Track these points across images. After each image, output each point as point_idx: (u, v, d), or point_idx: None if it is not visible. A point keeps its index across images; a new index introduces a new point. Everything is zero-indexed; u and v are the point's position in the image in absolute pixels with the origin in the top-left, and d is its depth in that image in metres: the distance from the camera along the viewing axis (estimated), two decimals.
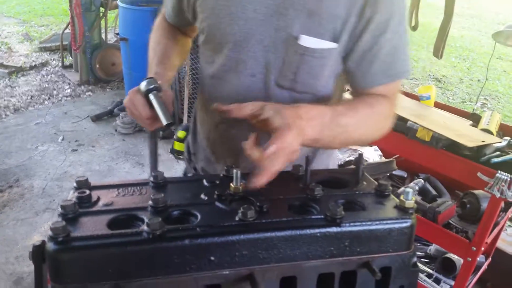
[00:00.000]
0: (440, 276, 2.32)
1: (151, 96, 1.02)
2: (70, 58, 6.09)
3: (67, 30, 5.49)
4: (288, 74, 1.07)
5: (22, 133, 4.36)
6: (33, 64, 6.20)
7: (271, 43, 1.05)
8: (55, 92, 5.36)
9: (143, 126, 1.11)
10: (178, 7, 1.23)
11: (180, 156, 1.18)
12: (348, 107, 1.03)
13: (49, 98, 5.19)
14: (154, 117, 1.03)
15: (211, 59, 1.17)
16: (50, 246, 0.67)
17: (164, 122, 1.00)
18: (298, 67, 1.05)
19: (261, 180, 0.81)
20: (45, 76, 5.84)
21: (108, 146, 4.22)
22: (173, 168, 3.76)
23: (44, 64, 6.24)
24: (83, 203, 0.79)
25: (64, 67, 6.09)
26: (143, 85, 1.03)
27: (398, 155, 2.64)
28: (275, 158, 0.82)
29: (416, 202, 2.20)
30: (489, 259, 2.50)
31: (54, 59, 6.48)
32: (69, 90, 5.40)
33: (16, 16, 8.93)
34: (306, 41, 1.02)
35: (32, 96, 5.20)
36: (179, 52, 1.31)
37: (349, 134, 1.01)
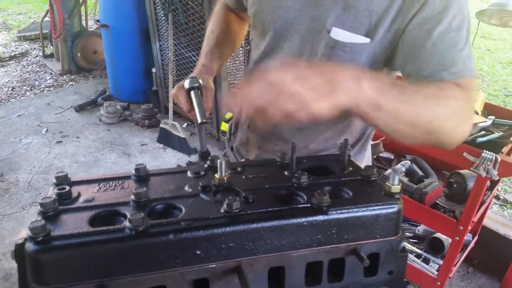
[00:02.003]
0: (429, 256, 2.35)
1: (192, 94, 1.15)
2: (51, 47, 5.96)
3: (47, 18, 5.35)
4: None
5: (5, 126, 4.28)
6: (13, 54, 6.07)
7: (307, 34, 1.06)
8: (36, 82, 5.26)
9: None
10: None
11: (224, 136, 1.25)
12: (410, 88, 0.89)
13: (31, 89, 5.09)
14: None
15: (257, 44, 1.21)
16: (29, 246, 0.65)
17: (199, 120, 1.12)
18: (327, 60, 1.03)
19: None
20: (26, 67, 5.72)
21: (93, 136, 4.16)
22: (160, 157, 3.73)
23: (24, 54, 6.10)
24: (63, 199, 0.76)
25: (45, 56, 5.97)
26: (186, 83, 1.16)
27: (384, 138, 2.65)
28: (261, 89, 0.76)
29: (403, 183, 2.23)
30: (476, 237, 2.54)
31: (34, 48, 6.34)
32: (51, 80, 5.31)
33: None
34: (337, 33, 1.00)
35: (13, 88, 5.10)
36: (231, 41, 1.39)
37: (419, 112, 0.84)
